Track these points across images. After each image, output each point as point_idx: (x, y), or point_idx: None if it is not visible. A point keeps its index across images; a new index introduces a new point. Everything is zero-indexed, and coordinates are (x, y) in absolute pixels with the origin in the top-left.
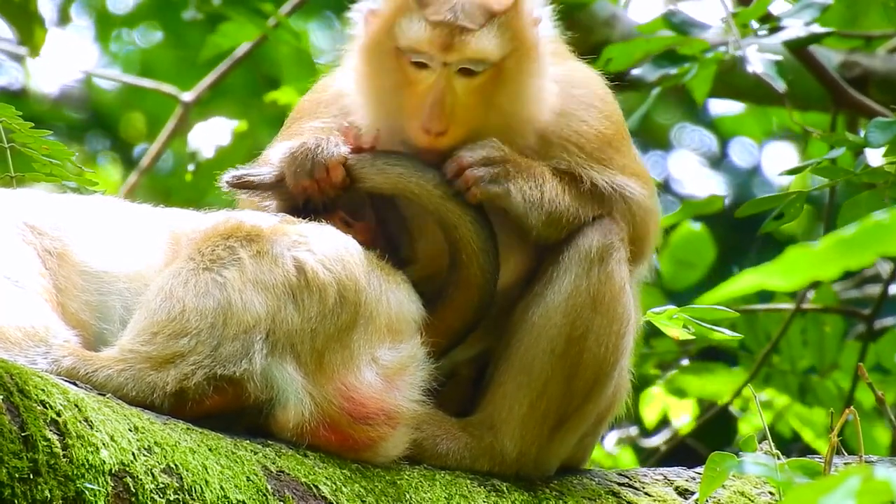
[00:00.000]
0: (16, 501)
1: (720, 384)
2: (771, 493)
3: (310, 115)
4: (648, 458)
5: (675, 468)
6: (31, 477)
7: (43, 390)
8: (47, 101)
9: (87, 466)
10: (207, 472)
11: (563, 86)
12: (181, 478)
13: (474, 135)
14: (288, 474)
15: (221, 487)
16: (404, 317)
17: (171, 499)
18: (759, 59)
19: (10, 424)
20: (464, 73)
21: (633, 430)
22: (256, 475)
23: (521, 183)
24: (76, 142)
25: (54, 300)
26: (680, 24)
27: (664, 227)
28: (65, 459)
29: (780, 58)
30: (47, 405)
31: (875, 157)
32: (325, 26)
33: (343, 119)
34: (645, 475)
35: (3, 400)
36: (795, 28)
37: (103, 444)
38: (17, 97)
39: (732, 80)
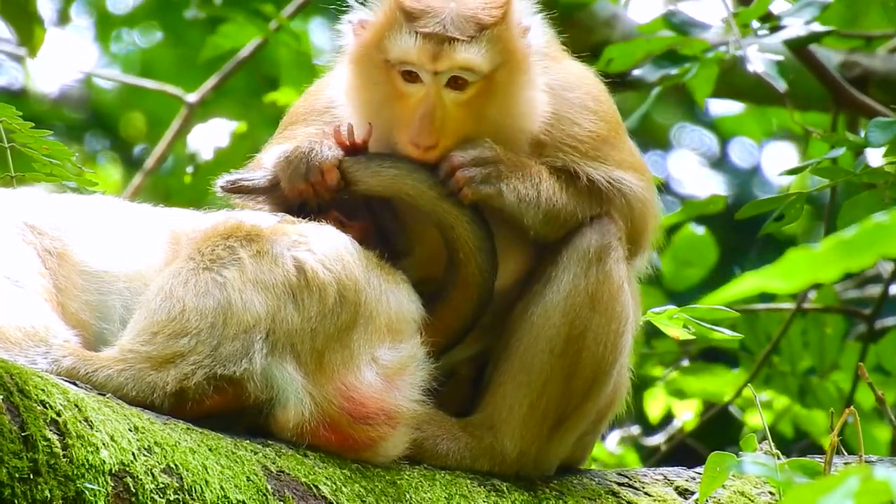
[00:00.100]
0: (16, 501)
1: (721, 385)
2: (771, 492)
3: (303, 121)
4: (650, 456)
5: (675, 468)
6: (31, 477)
7: (43, 390)
8: (47, 101)
9: (87, 466)
10: (207, 472)
11: (555, 90)
12: (181, 478)
13: (465, 145)
14: (288, 474)
15: (221, 487)
16: (404, 316)
17: (172, 499)
18: (760, 58)
19: (10, 424)
20: (453, 87)
21: (635, 429)
22: (256, 475)
23: (514, 182)
24: (76, 142)
25: (54, 300)
26: (680, 25)
27: (665, 227)
28: (65, 459)
29: (781, 57)
30: (47, 405)
31: (875, 157)
32: (328, 22)
33: (336, 127)
34: (645, 475)
35: (3, 400)
36: (796, 27)
37: (103, 444)
38: (17, 97)
39: (733, 79)
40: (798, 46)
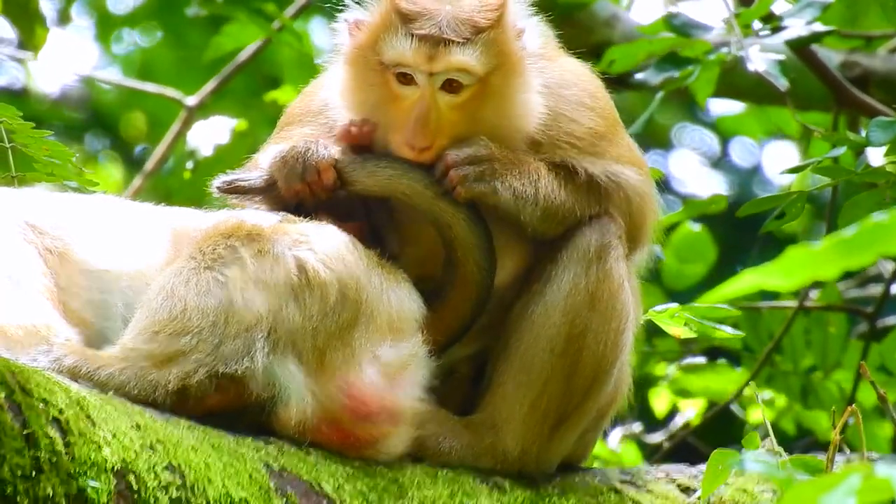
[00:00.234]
0: (18, 499)
1: (723, 383)
2: (774, 490)
3: (299, 122)
4: (653, 454)
5: (678, 465)
6: (34, 474)
7: (45, 388)
8: (48, 100)
9: (89, 464)
10: (210, 470)
11: (552, 88)
12: (183, 475)
13: (460, 144)
14: (290, 472)
15: (224, 485)
16: (405, 315)
17: (174, 496)
18: (762, 58)
19: (12, 422)
20: (448, 90)
21: (637, 427)
22: (259, 472)
23: (510, 179)
24: (76, 142)
25: (56, 299)
26: (681, 27)
27: (666, 226)
28: (67, 457)
29: (782, 57)
30: (49, 403)
31: (876, 156)
32: (328, 21)
33: (331, 128)
34: (647, 472)
35: (5, 398)
36: (797, 27)
37: (105, 442)
38: (17, 97)
39: (733, 79)
40: (799, 46)
